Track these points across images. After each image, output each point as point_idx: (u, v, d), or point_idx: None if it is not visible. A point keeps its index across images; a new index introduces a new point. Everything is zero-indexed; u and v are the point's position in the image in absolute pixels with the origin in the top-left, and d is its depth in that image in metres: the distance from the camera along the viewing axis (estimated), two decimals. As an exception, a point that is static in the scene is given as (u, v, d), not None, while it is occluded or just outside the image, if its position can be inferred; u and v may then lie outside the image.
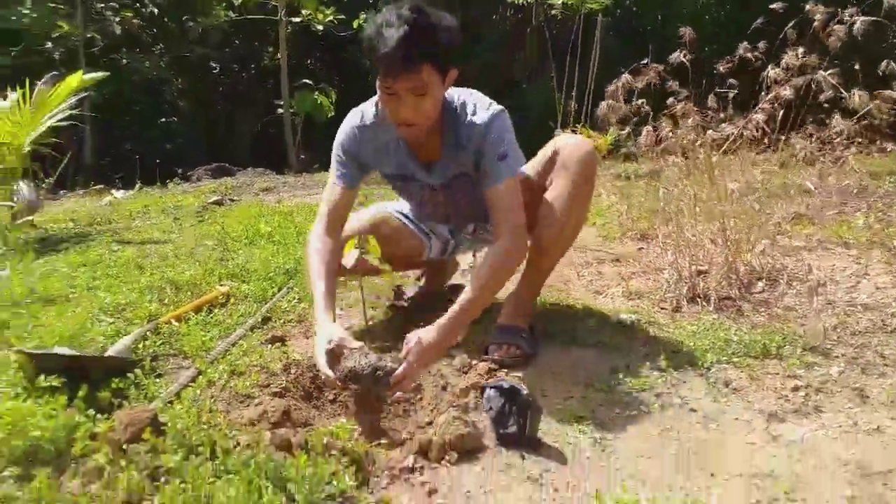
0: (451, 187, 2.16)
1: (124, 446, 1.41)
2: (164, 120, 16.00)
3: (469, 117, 1.97)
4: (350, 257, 1.70)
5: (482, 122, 1.95)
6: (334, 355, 1.74)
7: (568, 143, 2.09)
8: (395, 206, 2.42)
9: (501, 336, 2.04)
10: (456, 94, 2.02)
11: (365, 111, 2.09)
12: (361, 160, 2.12)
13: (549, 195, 2.07)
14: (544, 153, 2.14)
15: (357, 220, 2.25)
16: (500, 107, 2.01)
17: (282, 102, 9.90)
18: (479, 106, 1.99)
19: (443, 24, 1.80)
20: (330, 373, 1.72)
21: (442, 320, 1.82)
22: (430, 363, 1.77)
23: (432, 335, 1.78)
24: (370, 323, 2.42)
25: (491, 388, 1.66)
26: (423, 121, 1.89)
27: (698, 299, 2.54)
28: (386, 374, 1.67)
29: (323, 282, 1.93)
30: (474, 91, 2.06)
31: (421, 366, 1.75)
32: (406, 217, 2.38)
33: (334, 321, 1.89)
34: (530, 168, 2.18)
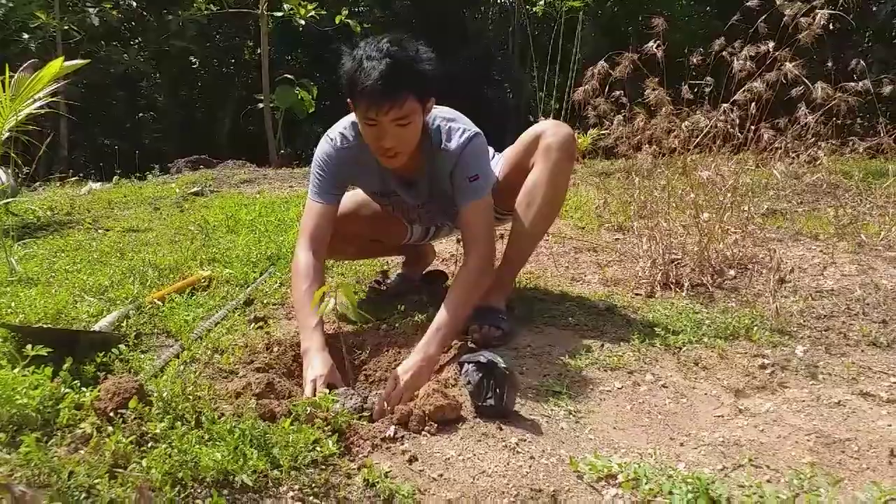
0: (430, 203, 2.24)
1: (111, 414, 1.44)
2: (141, 114, 15.88)
3: (444, 143, 2.04)
4: (324, 306, 1.71)
5: (456, 148, 2.02)
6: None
7: (549, 128, 2.15)
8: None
9: (480, 317, 2.09)
10: (433, 116, 2.06)
11: (344, 133, 2.10)
12: (343, 179, 2.16)
13: (532, 178, 2.14)
14: (527, 136, 2.20)
15: (341, 203, 2.27)
16: (475, 131, 2.07)
17: (262, 97, 9.84)
18: (454, 132, 2.05)
19: (422, 56, 1.87)
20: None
21: (420, 344, 1.86)
22: (416, 387, 1.74)
23: (411, 361, 1.81)
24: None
25: (469, 362, 1.71)
26: (404, 149, 1.95)
27: (672, 286, 2.62)
28: (371, 411, 1.67)
29: (313, 316, 1.91)
30: (451, 113, 2.11)
31: (402, 397, 1.72)
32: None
33: (325, 347, 1.88)
34: (513, 150, 2.25)
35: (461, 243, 2.26)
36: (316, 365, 1.80)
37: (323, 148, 2.12)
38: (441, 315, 1.91)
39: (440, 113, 2.08)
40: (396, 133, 1.88)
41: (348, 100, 1.93)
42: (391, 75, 1.78)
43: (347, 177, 2.17)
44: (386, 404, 1.68)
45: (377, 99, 1.80)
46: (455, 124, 2.07)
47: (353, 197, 2.38)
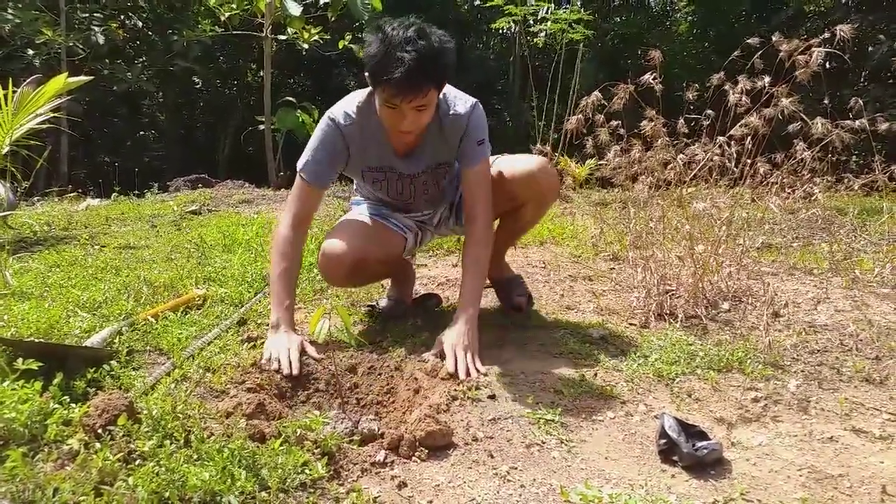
0: (422, 176, 2.35)
1: (99, 431, 1.43)
2: (142, 133, 15.98)
3: (453, 108, 2.21)
4: (319, 329, 1.75)
5: (465, 113, 2.21)
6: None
7: (543, 174, 2.34)
8: (359, 215, 2.49)
9: (519, 287, 2.67)
10: None
11: (347, 111, 2.21)
12: (340, 158, 2.26)
13: (525, 219, 2.50)
14: (518, 168, 2.34)
15: (341, 239, 2.29)
16: (474, 98, 2.26)
17: (263, 119, 9.89)
18: (458, 99, 2.23)
19: (444, 46, 1.99)
20: (295, 369, 1.96)
21: (459, 308, 2.17)
22: (472, 337, 2.08)
23: (458, 328, 2.09)
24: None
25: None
26: (419, 130, 2.13)
27: (666, 316, 2.62)
28: (363, 436, 1.66)
29: (289, 297, 2.16)
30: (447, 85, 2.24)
31: (467, 348, 2.04)
32: (378, 218, 2.46)
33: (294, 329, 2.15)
34: (501, 172, 2.36)
35: (455, 220, 2.57)
36: (284, 340, 2.03)
37: (325, 127, 2.22)
38: (467, 281, 2.20)
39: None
40: (414, 117, 2.03)
41: (367, 77, 2.04)
42: (418, 69, 1.90)
43: (346, 154, 2.25)
44: (458, 368, 1.96)
45: (403, 90, 1.93)
46: (455, 91, 2.25)
47: (353, 228, 2.39)
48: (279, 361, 1.96)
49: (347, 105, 2.22)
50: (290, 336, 2.07)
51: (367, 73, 2.03)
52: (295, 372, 1.94)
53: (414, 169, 2.32)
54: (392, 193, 2.41)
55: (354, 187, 2.61)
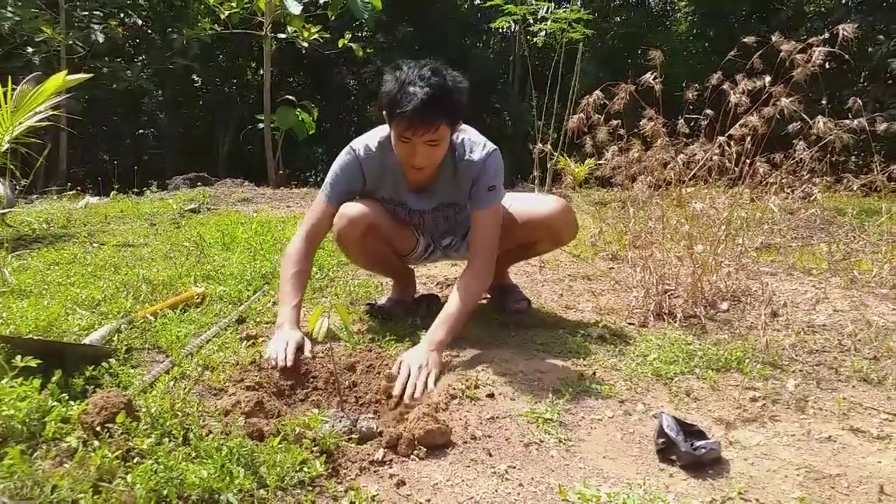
0: (433, 213, 2.42)
1: (97, 428, 1.43)
2: (142, 131, 15.97)
3: (468, 155, 2.26)
4: (318, 327, 1.75)
5: (480, 160, 2.26)
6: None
7: (561, 221, 2.38)
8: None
9: (510, 295, 2.70)
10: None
11: (368, 144, 2.31)
12: (357, 187, 2.34)
13: (538, 250, 2.61)
14: (535, 211, 2.39)
15: (358, 202, 2.32)
16: (494, 146, 2.31)
17: (263, 117, 9.88)
18: (476, 145, 2.28)
19: (458, 85, 2.08)
20: (289, 360, 1.98)
21: (428, 332, 2.10)
22: (434, 361, 2.00)
23: (423, 345, 2.05)
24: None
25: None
26: (432, 165, 2.19)
27: (665, 316, 2.62)
28: (361, 435, 1.65)
29: (296, 298, 2.23)
30: (469, 128, 2.32)
31: (418, 380, 1.92)
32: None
33: (298, 328, 2.18)
34: (520, 214, 2.42)
35: (467, 248, 2.48)
36: (284, 336, 2.06)
37: (345, 157, 2.33)
38: (448, 307, 2.15)
39: (460, 130, 2.27)
40: (427, 152, 2.10)
41: (384, 113, 2.12)
42: (429, 103, 1.97)
43: (363, 185, 2.35)
44: (406, 389, 1.88)
45: (415, 123, 2.01)
46: (476, 137, 2.30)
47: (368, 204, 2.37)
48: (276, 359, 1.97)
49: (370, 139, 2.32)
50: (292, 332, 2.10)
51: (383, 110, 2.11)
52: (290, 363, 1.96)
53: (425, 206, 2.40)
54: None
55: None
